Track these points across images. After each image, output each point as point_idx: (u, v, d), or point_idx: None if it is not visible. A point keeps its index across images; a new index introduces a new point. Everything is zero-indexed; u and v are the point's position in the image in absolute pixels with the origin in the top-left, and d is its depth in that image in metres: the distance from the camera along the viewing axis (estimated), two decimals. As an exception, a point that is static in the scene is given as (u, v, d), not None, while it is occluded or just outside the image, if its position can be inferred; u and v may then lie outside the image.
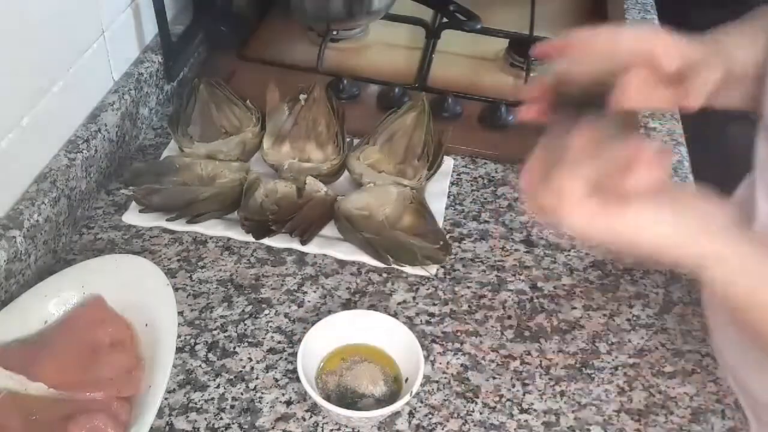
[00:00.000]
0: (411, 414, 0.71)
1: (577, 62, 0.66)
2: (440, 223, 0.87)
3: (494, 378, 0.74)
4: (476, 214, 0.91)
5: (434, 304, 0.80)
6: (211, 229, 0.85)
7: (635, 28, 0.64)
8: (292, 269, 0.83)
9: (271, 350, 0.75)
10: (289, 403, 0.71)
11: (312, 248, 0.84)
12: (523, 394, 0.73)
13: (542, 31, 1.18)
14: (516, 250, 0.87)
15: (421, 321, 0.79)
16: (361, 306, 0.80)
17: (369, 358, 0.72)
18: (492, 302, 0.81)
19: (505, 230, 0.89)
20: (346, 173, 0.92)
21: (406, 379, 0.70)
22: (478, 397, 0.73)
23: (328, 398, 0.69)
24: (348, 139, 0.93)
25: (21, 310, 0.72)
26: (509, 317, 0.80)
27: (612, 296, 0.83)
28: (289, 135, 0.93)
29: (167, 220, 0.84)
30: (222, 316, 0.78)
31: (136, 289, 0.74)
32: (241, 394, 0.72)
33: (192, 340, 0.76)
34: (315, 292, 0.81)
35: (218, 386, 0.72)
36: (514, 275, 0.84)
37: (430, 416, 0.71)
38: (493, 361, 0.76)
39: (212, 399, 0.71)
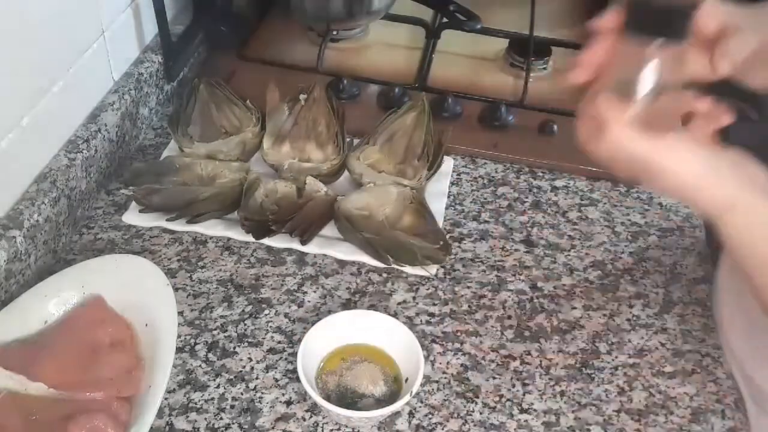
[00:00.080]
0: (411, 414, 0.71)
1: None
2: (440, 223, 0.87)
3: (494, 378, 0.74)
4: (476, 214, 0.91)
5: (434, 304, 0.80)
6: (211, 229, 0.85)
7: None
8: (292, 269, 0.83)
9: (271, 350, 0.75)
10: (289, 403, 0.71)
11: (312, 248, 0.84)
12: (523, 394, 0.73)
13: (542, 31, 1.18)
14: (516, 250, 0.87)
15: (421, 321, 0.79)
16: (361, 306, 0.80)
17: (369, 358, 0.72)
18: (492, 302, 0.81)
19: (505, 230, 0.89)
20: (346, 173, 0.92)
21: (406, 379, 0.70)
22: (478, 397, 0.73)
23: (328, 398, 0.69)
24: (348, 139, 0.93)
25: (21, 310, 0.72)
26: (509, 317, 0.80)
27: (612, 296, 0.83)
28: (289, 135, 0.93)
29: (167, 220, 0.84)
30: (222, 316, 0.78)
31: (136, 289, 0.74)
32: (241, 394, 0.72)
33: (192, 340, 0.76)
34: (315, 292, 0.81)
35: (218, 386, 0.72)
36: (514, 275, 0.84)
37: (430, 416, 0.71)
38: (493, 361, 0.76)
39: (212, 399, 0.71)
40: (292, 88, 0.96)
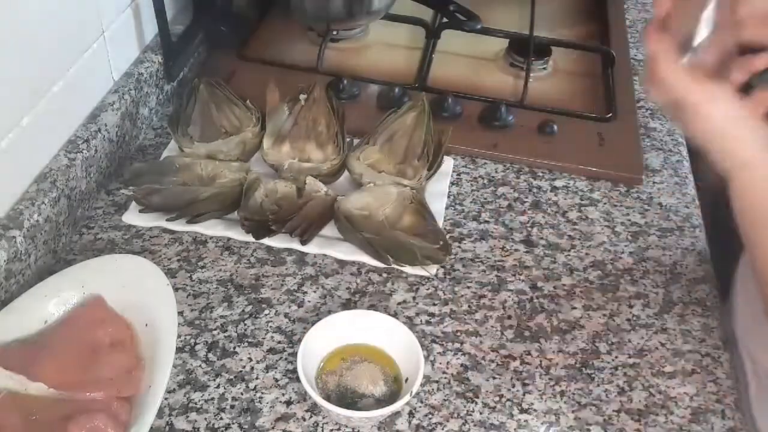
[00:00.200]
0: (411, 414, 0.71)
1: None
2: (440, 223, 0.87)
3: (494, 378, 0.74)
4: (476, 214, 0.91)
5: (434, 304, 0.80)
6: (211, 229, 0.85)
7: None
8: (292, 269, 0.83)
9: (271, 350, 0.75)
10: (289, 403, 0.71)
11: (312, 248, 0.84)
12: (523, 394, 0.73)
13: (542, 31, 1.19)
14: (516, 250, 0.87)
15: (421, 321, 0.79)
16: (361, 306, 0.80)
17: (369, 358, 0.72)
18: (492, 302, 0.81)
19: (505, 230, 0.89)
20: (346, 173, 0.92)
21: (406, 379, 0.70)
22: (478, 397, 0.73)
23: (328, 398, 0.69)
24: (348, 139, 0.93)
25: (21, 310, 0.72)
26: (509, 317, 0.80)
27: (612, 296, 0.83)
28: (289, 135, 0.93)
29: (167, 220, 0.84)
30: (222, 316, 0.78)
31: (136, 289, 0.74)
32: (241, 394, 0.72)
33: (192, 340, 0.76)
34: (315, 292, 0.81)
35: (218, 386, 0.72)
36: (514, 275, 0.84)
37: (430, 416, 0.71)
38: (493, 361, 0.76)
39: (212, 399, 0.71)
40: (292, 88, 0.96)
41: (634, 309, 0.82)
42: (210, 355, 0.75)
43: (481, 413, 0.71)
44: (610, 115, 1.05)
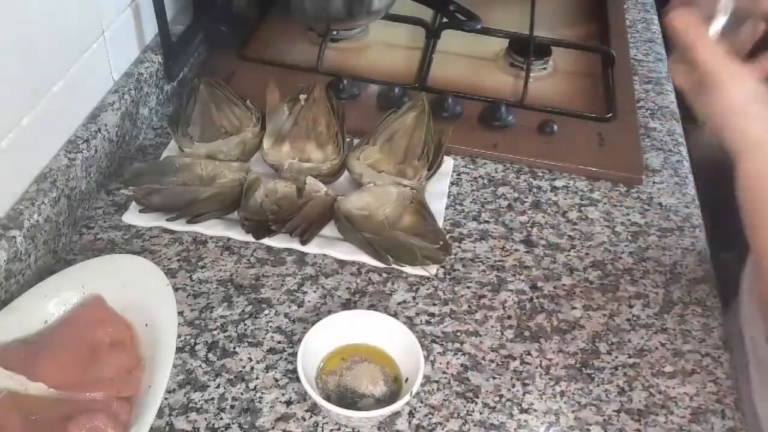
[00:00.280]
0: (411, 414, 0.71)
1: None
2: (440, 223, 0.87)
3: (494, 378, 0.74)
4: (476, 214, 0.91)
5: (434, 304, 0.80)
6: (211, 229, 0.85)
7: None
8: (292, 269, 0.83)
9: (271, 350, 0.75)
10: (289, 403, 0.71)
11: (312, 248, 0.84)
12: (523, 394, 0.73)
13: (542, 31, 1.19)
14: (516, 250, 0.87)
15: (421, 321, 0.79)
16: (361, 306, 0.80)
17: (369, 358, 0.72)
18: (492, 302, 0.81)
19: (505, 230, 0.89)
20: (346, 173, 0.92)
21: (406, 379, 0.70)
22: (478, 397, 0.73)
23: (328, 398, 0.69)
24: (348, 139, 0.93)
25: (21, 310, 0.72)
26: (509, 317, 0.80)
27: (612, 296, 0.83)
28: (289, 135, 0.93)
29: (167, 220, 0.84)
30: (222, 316, 0.78)
31: (136, 289, 0.74)
32: (241, 394, 0.72)
33: (192, 340, 0.76)
34: (315, 292, 0.81)
35: (218, 386, 0.72)
36: (514, 275, 0.84)
37: (430, 416, 0.71)
38: (493, 361, 0.76)
39: (212, 399, 0.71)
40: (292, 88, 0.96)
41: (634, 309, 0.82)
42: (210, 355, 0.75)
43: (481, 413, 0.71)
44: (610, 115, 1.05)
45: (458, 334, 0.78)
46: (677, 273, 0.86)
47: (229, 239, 0.85)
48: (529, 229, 0.90)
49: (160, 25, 0.97)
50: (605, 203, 0.94)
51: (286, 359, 0.75)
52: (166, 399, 0.70)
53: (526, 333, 0.79)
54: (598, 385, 0.74)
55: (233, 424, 0.69)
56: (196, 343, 0.76)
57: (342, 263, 0.84)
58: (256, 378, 0.73)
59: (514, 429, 0.70)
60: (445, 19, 1.13)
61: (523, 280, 0.84)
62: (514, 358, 0.76)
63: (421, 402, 0.72)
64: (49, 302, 0.73)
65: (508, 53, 1.15)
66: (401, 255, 0.82)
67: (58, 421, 0.64)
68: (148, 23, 0.99)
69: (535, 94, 1.07)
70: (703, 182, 0.99)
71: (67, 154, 0.84)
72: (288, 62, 1.11)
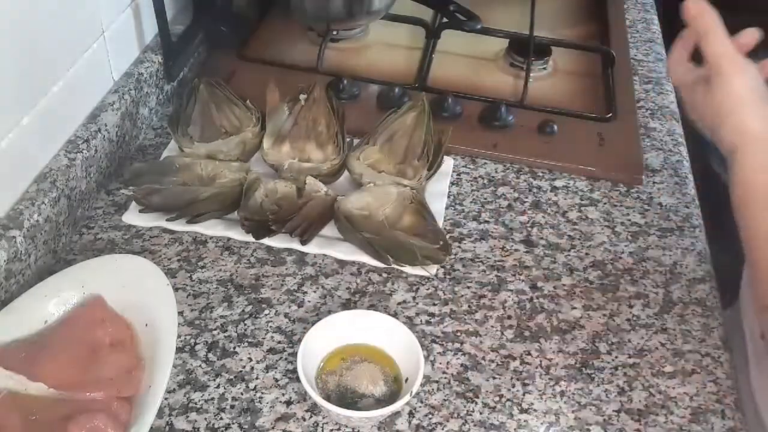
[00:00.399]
0: (411, 414, 0.71)
1: None
2: (440, 223, 0.87)
3: (494, 378, 0.74)
4: (476, 214, 0.91)
5: (434, 304, 0.80)
6: (211, 229, 0.85)
7: None
8: (292, 269, 0.83)
9: (271, 350, 0.75)
10: (289, 403, 0.71)
11: (312, 248, 0.84)
12: (523, 394, 0.73)
13: (542, 31, 1.18)
14: (516, 250, 0.87)
15: (421, 321, 0.79)
16: (361, 306, 0.80)
17: (369, 358, 0.72)
18: (492, 302, 0.81)
19: (505, 230, 0.89)
20: (346, 173, 0.92)
21: (406, 379, 0.70)
22: (478, 397, 0.73)
23: (328, 398, 0.69)
24: (348, 139, 0.93)
25: (21, 310, 0.72)
26: (509, 317, 0.80)
27: (612, 296, 0.83)
28: (289, 135, 0.93)
29: (167, 220, 0.84)
30: (222, 316, 0.78)
31: (136, 289, 0.74)
32: (241, 394, 0.72)
33: (192, 340, 0.76)
34: (315, 292, 0.81)
35: (218, 386, 0.72)
36: (514, 275, 0.84)
37: (430, 416, 0.71)
38: (493, 361, 0.76)
39: (212, 399, 0.71)
40: (292, 88, 0.96)
41: (634, 309, 0.82)
42: (210, 355, 0.75)
43: (481, 413, 0.71)
44: (610, 115, 1.05)
45: (458, 334, 0.78)
46: (677, 273, 0.86)
47: (229, 239, 0.85)
48: (529, 229, 0.90)
49: (160, 25, 0.97)
50: (605, 203, 0.94)
51: (286, 359, 0.75)
52: (166, 399, 0.70)
53: (526, 333, 0.79)
54: (598, 385, 0.74)
55: (233, 424, 0.69)
56: (196, 343, 0.76)
57: (342, 263, 0.84)
58: (256, 378, 0.73)
59: (514, 429, 0.70)
60: (445, 19, 1.13)
61: (523, 280, 0.84)
62: (514, 358, 0.76)
63: (421, 402, 0.72)
64: (49, 302, 0.73)
65: (508, 53, 1.15)
66: (401, 255, 0.82)
67: (58, 421, 0.64)
68: (148, 23, 0.99)
69: (535, 94, 1.07)
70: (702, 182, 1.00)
71: (67, 154, 0.84)
72: (288, 62, 1.11)
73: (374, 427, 0.70)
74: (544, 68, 1.14)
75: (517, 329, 0.79)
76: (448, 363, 0.75)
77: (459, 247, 0.87)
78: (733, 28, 0.75)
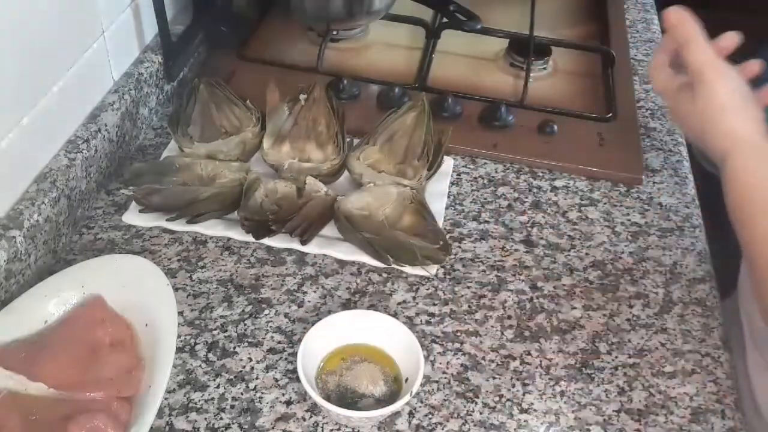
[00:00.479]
0: (411, 414, 0.71)
1: None
2: (440, 223, 0.87)
3: (494, 378, 0.74)
4: (476, 214, 0.91)
5: (434, 304, 0.80)
6: (211, 229, 0.85)
7: None
8: (292, 269, 0.83)
9: (271, 350, 0.75)
10: (289, 403, 0.71)
11: (312, 248, 0.84)
12: (523, 394, 0.73)
13: (542, 31, 1.18)
14: (516, 250, 0.87)
15: (421, 321, 0.79)
16: (361, 306, 0.80)
17: (369, 358, 0.72)
18: (492, 302, 0.81)
19: (505, 230, 0.89)
20: (346, 173, 0.92)
21: (406, 379, 0.70)
22: (478, 397, 0.73)
23: (328, 398, 0.69)
24: (348, 139, 0.93)
25: (21, 310, 0.72)
26: (509, 317, 0.80)
27: (612, 296, 0.83)
28: (289, 135, 0.93)
29: (167, 220, 0.84)
30: (222, 316, 0.78)
31: (136, 289, 0.74)
32: (241, 394, 0.72)
33: (192, 340, 0.76)
34: (315, 292, 0.81)
35: (218, 386, 0.72)
36: (514, 275, 0.84)
37: (430, 416, 0.71)
38: (493, 361, 0.76)
39: (212, 399, 0.71)
40: (292, 88, 0.96)
41: (634, 309, 0.82)
42: (210, 355, 0.75)
43: (481, 413, 0.71)
44: (610, 115, 1.05)
45: (458, 334, 0.78)
46: (677, 273, 0.86)
47: (229, 239, 0.85)
48: (529, 229, 0.90)
49: (160, 25, 0.97)
50: (605, 203, 0.94)
51: (286, 359, 0.75)
52: (166, 399, 0.70)
53: (526, 333, 0.79)
54: (598, 385, 0.74)
55: (233, 424, 0.69)
56: (196, 343, 0.76)
57: (342, 263, 0.84)
58: (256, 378, 0.73)
59: (514, 429, 0.70)
60: (445, 19, 1.13)
61: (523, 280, 0.84)
62: (514, 358, 0.76)
63: (421, 402, 0.72)
64: (49, 302, 0.73)
65: (508, 53, 1.15)
66: (401, 255, 0.82)
67: (58, 421, 0.64)
68: (148, 23, 0.99)
69: (535, 94, 1.07)
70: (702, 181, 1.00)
71: (67, 154, 0.84)
72: (288, 62, 1.11)
73: (374, 427, 0.70)
74: (544, 68, 1.14)
75: (517, 329, 0.79)
76: (448, 363, 0.75)
77: (459, 247, 0.87)
78: (713, 25, 0.75)
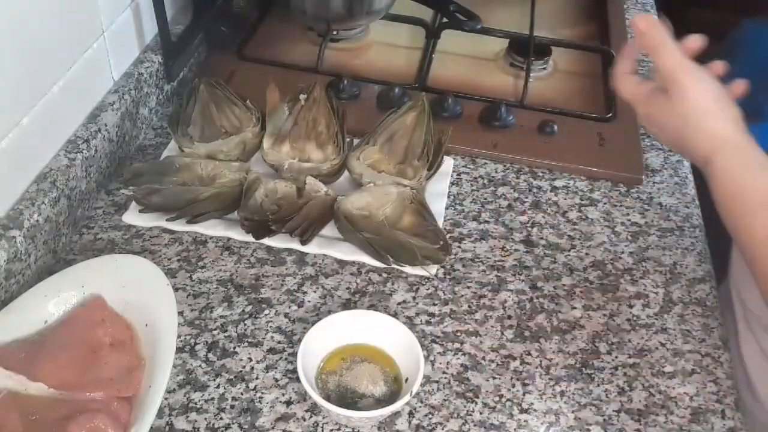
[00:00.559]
0: (411, 414, 0.71)
1: None
2: (440, 223, 0.87)
3: (494, 378, 0.74)
4: (476, 214, 0.91)
5: (434, 304, 0.80)
6: (211, 229, 0.85)
7: None
8: (292, 269, 0.83)
9: (271, 350, 0.75)
10: (289, 403, 0.71)
11: (312, 248, 0.84)
12: (523, 394, 0.73)
13: (542, 31, 1.19)
14: (516, 250, 0.87)
15: (421, 321, 0.79)
16: (361, 306, 0.80)
17: (369, 358, 0.72)
18: (492, 302, 0.81)
19: (505, 230, 0.89)
20: (346, 173, 0.92)
21: (406, 379, 0.70)
22: (478, 397, 0.73)
23: (328, 398, 0.69)
24: (348, 139, 0.93)
25: (21, 310, 0.72)
26: (509, 317, 0.80)
27: (612, 296, 0.83)
28: (289, 135, 0.93)
29: (167, 220, 0.84)
30: (222, 316, 0.78)
31: (136, 289, 0.74)
32: (241, 394, 0.72)
33: (192, 340, 0.76)
34: (315, 292, 0.81)
35: (218, 386, 0.72)
36: (514, 275, 0.84)
37: (430, 416, 0.71)
38: (493, 361, 0.76)
39: (212, 399, 0.71)
40: (292, 88, 0.96)
41: (634, 309, 0.82)
42: (210, 355, 0.75)
43: (481, 413, 0.71)
44: (610, 115, 1.05)
45: (458, 334, 0.78)
46: (677, 273, 0.86)
47: (229, 239, 0.85)
48: (529, 229, 0.90)
49: (160, 25, 0.97)
50: (605, 203, 0.94)
51: (286, 359, 0.75)
52: (166, 399, 0.70)
53: (526, 333, 0.79)
54: (598, 385, 0.74)
55: (233, 424, 0.69)
56: (196, 343, 0.76)
57: (342, 263, 0.84)
58: (256, 378, 0.73)
59: (514, 429, 0.70)
60: (445, 19, 1.14)
61: (523, 280, 0.84)
62: (514, 358, 0.76)
63: (421, 402, 0.72)
64: (49, 302, 0.73)
65: (508, 53, 1.15)
66: (401, 255, 0.82)
67: (58, 421, 0.64)
68: (148, 23, 0.99)
69: (535, 94, 1.07)
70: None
71: (67, 154, 0.84)
72: (288, 62, 1.11)
73: (374, 427, 0.70)
74: (544, 68, 1.14)
75: (517, 329, 0.79)
76: (448, 363, 0.75)
77: (459, 247, 0.87)
78: (715, 24, 0.75)
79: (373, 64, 1.13)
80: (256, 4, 1.21)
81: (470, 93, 1.07)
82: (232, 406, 0.71)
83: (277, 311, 0.79)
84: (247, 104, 0.95)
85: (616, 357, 0.77)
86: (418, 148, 0.91)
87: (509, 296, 0.82)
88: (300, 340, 0.71)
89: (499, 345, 0.77)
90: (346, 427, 0.69)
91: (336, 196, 0.87)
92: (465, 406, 0.72)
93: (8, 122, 0.75)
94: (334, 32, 1.14)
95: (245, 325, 0.77)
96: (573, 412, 0.72)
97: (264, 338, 0.76)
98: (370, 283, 0.82)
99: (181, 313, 0.77)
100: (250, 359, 0.74)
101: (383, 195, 0.87)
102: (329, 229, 0.86)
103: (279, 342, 0.76)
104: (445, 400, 0.72)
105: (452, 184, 0.94)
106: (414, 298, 0.81)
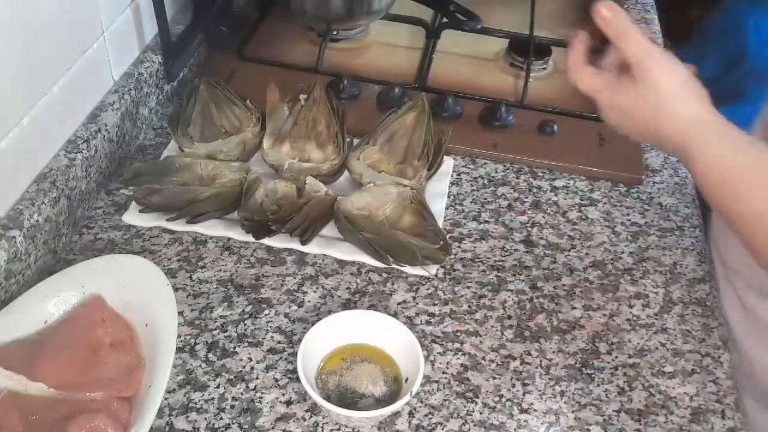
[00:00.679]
0: (411, 414, 0.71)
1: None
2: (440, 223, 0.87)
3: (494, 378, 0.74)
4: (476, 214, 0.91)
5: (434, 304, 0.80)
6: (211, 229, 0.85)
7: None
8: (292, 269, 0.83)
9: (271, 350, 0.75)
10: (289, 403, 0.71)
11: (312, 248, 0.84)
12: (523, 394, 0.73)
13: (542, 31, 1.18)
14: (516, 250, 0.87)
15: (421, 321, 0.79)
16: (361, 306, 0.80)
17: (369, 358, 0.72)
18: (492, 302, 0.81)
19: (505, 230, 0.89)
20: (346, 173, 0.92)
21: (406, 379, 0.70)
22: (478, 397, 0.73)
23: (328, 398, 0.69)
24: (348, 139, 0.93)
25: (21, 310, 0.72)
26: (509, 317, 0.80)
27: (612, 296, 0.83)
28: (289, 135, 0.93)
29: (167, 220, 0.84)
30: (222, 316, 0.78)
31: (136, 289, 0.74)
32: (241, 394, 0.72)
33: (192, 340, 0.76)
34: (315, 292, 0.81)
35: (218, 386, 0.72)
36: (514, 275, 0.84)
37: (430, 416, 0.71)
38: (493, 361, 0.76)
39: (212, 399, 0.71)
40: (292, 88, 0.96)
41: (634, 309, 0.82)
42: (210, 355, 0.75)
43: (481, 413, 0.71)
44: (610, 115, 1.04)
45: (458, 334, 0.78)
46: (677, 273, 0.86)
47: (229, 239, 0.85)
48: (529, 229, 0.90)
49: (160, 25, 0.97)
50: (605, 203, 0.94)
51: (286, 359, 0.75)
52: (166, 399, 0.70)
53: (526, 333, 0.79)
54: (598, 385, 0.74)
55: (233, 424, 0.69)
56: (196, 343, 0.76)
57: (342, 263, 0.84)
58: (256, 378, 0.73)
59: (514, 429, 0.70)
60: (445, 19, 1.14)
61: (523, 280, 0.84)
62: (514, 358, 0.76)
63: (421, 402, 0.72)
64: (49, 302, 0.73)
65: (508, 53, 1.15)
66: (401, 255, 0.82)
67: (58, 421, 0.64)
68: (148, 23, 0.99)
69: (535, 94, 1.07)
70: None
71: (67, 154, 0.84)
72: (288, 62, 1.11)
73: (374, 427, 0.70)
74: (544, 68, 1.14)
75: (517, 329, 0.79)
76: (448, 363, 0.75)
77: (459, 247, 0.87)
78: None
79: (373, 64, 1.13)
80: (256, 4, 1.21)
81: (470, 93, 1.07)
82: (232, 406, 0.71)
83: (277, 311, 0.79)
84: (247, 104, 0.95)
85: (616, 357, 0.77)
86: (418, 148, 0.91)
87: (509, 296, 0.82)
88: (300, 340, 0.71)
89: (499, 345, 0.77)
90: (346, 427, 0.69)
91: (336, 196, 0.87)
92: (465, 406, 0.72)
93: (8, 122, 0.75)
94: (334, 32, 1.14)
95: (245, 325, 0.77)
96: (573, 412, 0.72)
97: (264, 338, 0.76)
98: (370, 283, 0.82)
99: (181, 313, 0.77)
100: (250, 359, 0.74)
101: (383, 195, 0.87)
102: (329, 229, 0.86)
103: (279, 342, 0.76)
104: (445, 400, 0.72)
105: (452, 184, 0.94)
106: (414, 298, 0.81)
